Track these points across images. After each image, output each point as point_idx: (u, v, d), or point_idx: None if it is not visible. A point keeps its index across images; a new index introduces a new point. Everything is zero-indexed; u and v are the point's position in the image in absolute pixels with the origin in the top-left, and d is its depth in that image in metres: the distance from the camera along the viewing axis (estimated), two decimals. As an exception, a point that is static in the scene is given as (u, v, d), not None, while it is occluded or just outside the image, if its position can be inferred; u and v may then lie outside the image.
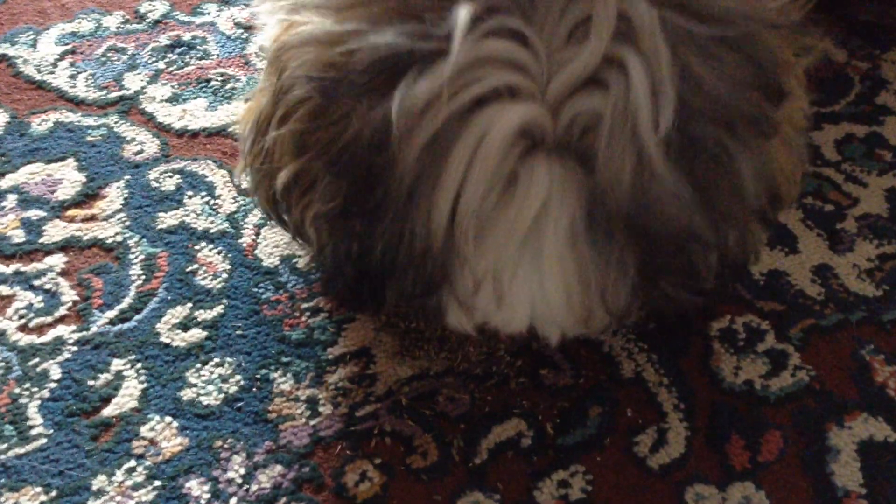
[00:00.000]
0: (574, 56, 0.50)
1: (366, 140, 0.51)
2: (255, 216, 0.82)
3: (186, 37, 1.00)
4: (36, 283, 0.76)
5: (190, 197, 0.84)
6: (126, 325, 0.74)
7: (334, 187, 0.55)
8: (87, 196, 0.83)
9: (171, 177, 0.85)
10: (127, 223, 0.81)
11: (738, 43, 0.53)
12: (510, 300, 0.55)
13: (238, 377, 0.71)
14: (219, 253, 0.79)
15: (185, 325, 0.74)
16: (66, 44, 0.98)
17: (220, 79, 0.95)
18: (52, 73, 0.95)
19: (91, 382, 0.70)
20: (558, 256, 0.53)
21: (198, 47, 0.98)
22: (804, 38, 0.62)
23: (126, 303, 0.75)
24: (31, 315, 0.74)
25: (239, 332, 0.74)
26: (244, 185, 0.69)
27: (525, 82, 0.50)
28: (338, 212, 0.56)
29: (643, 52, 0.50)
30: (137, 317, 0.74)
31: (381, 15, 0.52)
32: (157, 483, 0.65)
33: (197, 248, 0.80)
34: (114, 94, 0.93)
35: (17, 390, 0.69)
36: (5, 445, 0.66)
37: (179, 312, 0.75)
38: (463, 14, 0.49)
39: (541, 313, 0.57)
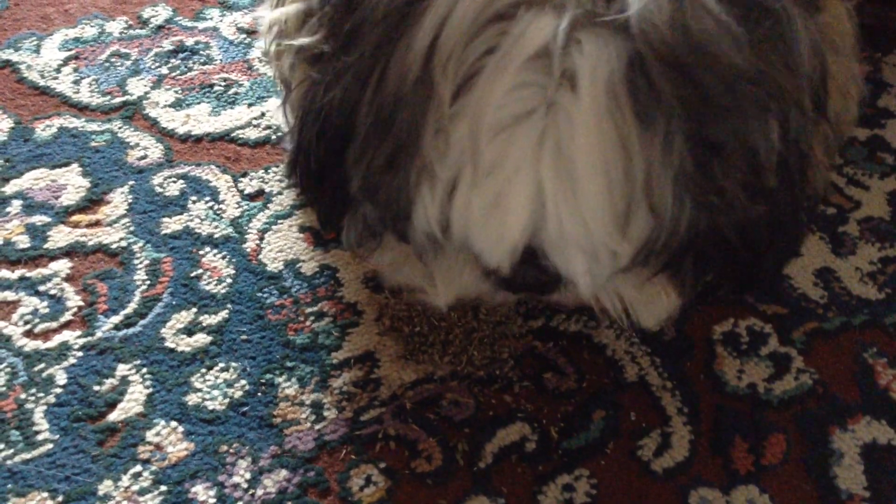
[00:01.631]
0: None
1: None
2: (259, 221, 0.82)
3: (189, 42, 1.00)
4: (41, 288, 0.77)
5: (194, 202, 0.84)
6: (131, 331, 0.74)
7: (321, 18, 0.50)
8: (92, 201, 0.83)
9: (174, 182, 0.86)
10: (131, 228, 0.81)
11: None
12: (501, 189, 0.44)
13: (243, 382, 0.71)
14: (223, 258, 0.80)
15: (189, 330, 0.74)
16: (70, 49, 0.98)
17: (223, 84, 0.95)
18: (56, 78, 0.95)
19: (96, 388, 0.70)
20: (591, 124, 0.43)
21: (201, 52, 0.99)
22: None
23: (131, 308, 0.76)
24: (37, 320, 0.74)
25: (243, 336, 0.74)
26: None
27: None
28: (315, 45, 0.49)
29: None
30: (142, 322, 0.75)
31: None
32: (163, 488, 0.65)
33: (201, 253, 0.80)
34: (117, 100, 0.93)
35: (23, 396, 0.70)
36: (12, 451, 0.67)
37: (184, 317, 0.75)
38: None
39: (553, 214, 0.45)
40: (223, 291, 0.77)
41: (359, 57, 0.45)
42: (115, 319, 0.75)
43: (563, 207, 0.44)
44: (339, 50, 0.46)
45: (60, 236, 0.80)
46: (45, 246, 0.80)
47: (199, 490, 0.65)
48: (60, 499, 0.64)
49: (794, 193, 0.51)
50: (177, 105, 0.93)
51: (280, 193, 0.85)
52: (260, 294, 0.77)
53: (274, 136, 0.90)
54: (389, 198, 0.48)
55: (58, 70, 0.96)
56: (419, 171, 0.45)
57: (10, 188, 0.84)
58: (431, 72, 0.43)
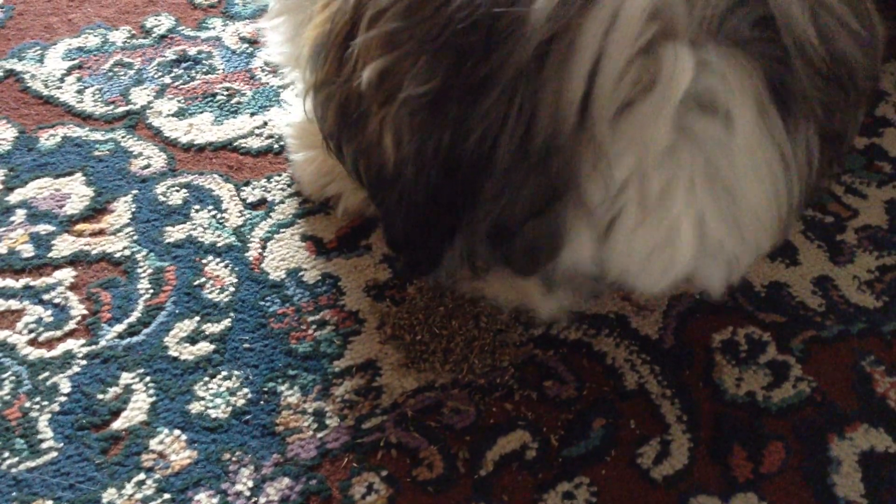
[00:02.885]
0: None
1: (486, 13, 0.45)
2: (262, 230, 0.83)
3: (192, 51, 1.01)
4: (45, 297, 0.77)
5: (197, 211, 0.84)
6: (134, 339, 0.75)
7: (432, 67, 0.48)
8: (95, 210, 0.84)
9: (178, 191, 0.86)
10: (135, 237, 0.82)
11: None
12: (668, 219, 0.46)
13: (245, 390, 0.72)
14: (226, 266, 0.80)
15: (192, 339, 0.75)
16: (73, 59, 0.99)
17: (225, 93, 0.96)
18: (60, 88, 0.96)
19: (100, 396, 0.71)
20: (751, 146, 0.45)
21: (203, 62, 0.99)
22: None
23: (134, 316, 0.76)
24: (41, 329, 0.75)
25: (246, 345, 0.75)
26: (307, 107, 0.62)
27: None
28: (432, 96, 0.49)
29: None
30: (146, 330, 0.75)
31: None
32: (167, 496, 0.66)
33: (204, 261, 0.80)
34: (121, 109, 0.94)
35: (27, 404, 0.70)
36: (16, 459, 0.67)
37: (187, 326, 0.76)
38: None
39: (715, 242, 0.47)
40: (226, 300, 0.78)
41: (494, 104, 0.46)
42: (119, 328, 0.75)
43: (725, 234, 0.47)
44: (468, 96, 0.47)
45: (64, 245, 0.81)
46: (49, 255, 0.80)
47: (203, 498, 0.66)
48: (65, 507, 0.65)
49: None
50: (180, 114, 0.94)
51: (282, 202, 0.86)
52: (262, 302, 0.78)
53: (276, 146, 0.90)
54: (534, 239, 0.48)
55: (61, 79, 0.97)
56: (574, 213, 0.47)
57: (14, 197, 0.85)
58: (589, 121, 0.44)
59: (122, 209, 0.84)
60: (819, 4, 0.47)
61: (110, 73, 0.98)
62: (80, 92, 0.95)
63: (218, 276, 0.79)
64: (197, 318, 0.76)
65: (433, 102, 0.48)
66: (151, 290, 0.78)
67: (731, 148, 0.46)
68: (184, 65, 0.99)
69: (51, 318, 0.76)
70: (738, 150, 0.46)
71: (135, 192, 0.86)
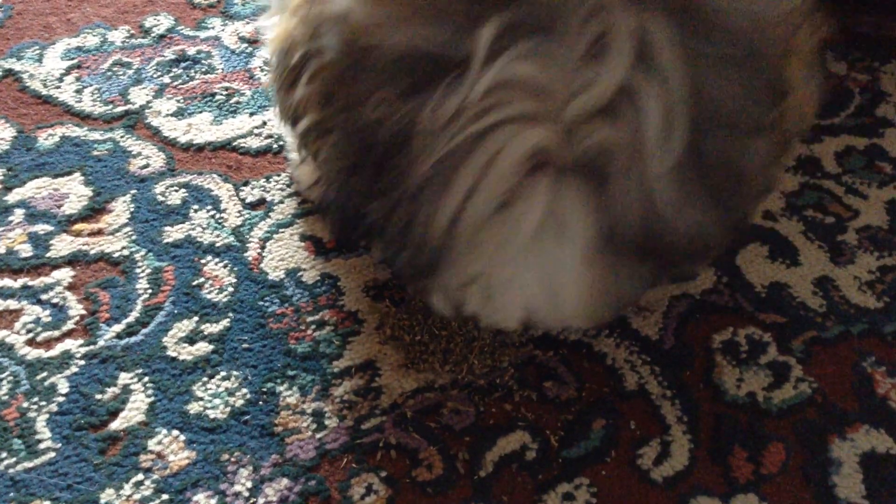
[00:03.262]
0: (592, 80, 0.51)
1: (388, 133, 0.54)
2: (261, 230, 0.83)
3: (191, 51, 1.00)
4: (43, 297, 0.77)
5: (196, 211, 0.84)
6: (133, 339, 0.74)
7: (346, 148, 0.58)
8: (94, 210, 0.84)
9: (176, 191, 0.86)
10: (133, 237, 0.82)
11: (744, 59, 0.55)
12: (502, 301, 0.59)
13: (244, 390, 0.72)
14: (224, 266, 0.80)
15: (191, 339, 0.75)
16: (72, 58, 0.99)
17: (224, 93, 0.96)
18: (58, 87, 0.96)
19: (98, 396, 0.71)
20: (575, 270, 0.55)
21: (202, 62, 0.99)
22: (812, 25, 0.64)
23: (133, 317, 0.76)
24: (39, 329, 0.75)
25: (245, 345, 0.74)
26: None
27: (543, 107, 0.52)
28: (345, 168, 0.59)
29: (659, 78, 0.51)
30: (144, 331, 0.75)
31: (412, 10, 0.54)
32: (165, 497, 0.65)
33: (203, 261, 0.80)
34: (119, 109, 0.94)
35: (25, 404, 0.70)
36: (14, 459, 0.67)
37: (186, 326, 0.75)
38: (486, 34, 0.51)
39: (542, 314, 0.59)
40: (225, 300, 0.77)
41: (385, 198, 0.56)
42: (117, 328, 0.75)
43: (548, 312, 0.59)
44: (370, 183, 0.57)
45: (63, 245, 0.81)
46: (48, 255, 0.80)
47: (201, 499, 0.65)
48: (62, 507, 0.65)
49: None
50: (179, 114, 0.93)
51: (281, 202, 0.85)
52: (261, 303, 0.77)
53: (275, 146, 0.90)
54: (410, 278, 0.63)
55: (60, 79, 0.96)
56: (435, 282, 0.59)
57: (12, 197, 0.84)
58: (452, 238, 0.54)
59: (121, 209, 0.84)
60: (650, 193, 0.52)
61: (109, 73, 0.98)
62: (78, 91, 0.95)
63: (217, 276, 0.79)
64: (195, 319, 0.76)
65: (345, 171, 0.59)
66: (150, 290, 0.78)
67: (563, 264, 0.55)
68: (183, 64, 0.99)
69: (49, 318, 0.75)
70: (566, 274, 0.55)
71: (133, 191, 0.86)
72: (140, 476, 0.66)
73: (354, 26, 0.56)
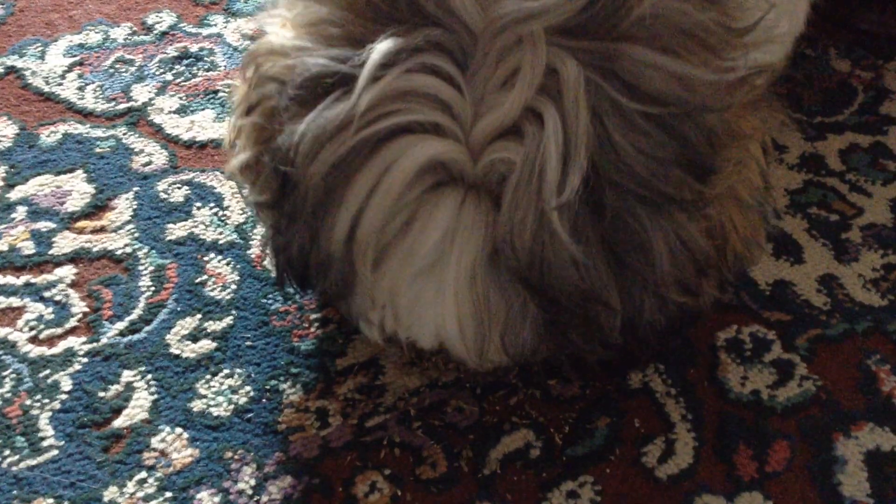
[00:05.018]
0: (501, 102, 0.52)
1: (281, 152, 0.55)
2: (263, 227, 0.83)
3: (194, 48, 1.00)
4: (46, 294, 0.77)
5: (198, 208, 0.84)
6: (136, 337, 0.74)
7: (271, 182, 0.58)
8: (97, 207, 0.84)
9: (179, 188, 0.86)
10: (136, 234, 0.82)
11: (666, 121, 0.53)
12: (411, 323, 0.59)
13: (248, 388, 0.71)
14: (227, 264, 0.80)
15: (194, 337, 0.74)
16: (74, 55, 0.99)
17: (227, 90, 0.95)
18: (61, 84, 0.95)
19: (102, 394, 0.71)
20: (456, 291, 0.54)
21: (205, 59, 0.99)
22: (762, 111, 0.62)
23: (136, 314, 0.76)
24: (42, 326, 0.75)
25: (248, 343, 0.74)
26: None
27: (447, 120, 0.52)
28: (269, 203, 0.60)
29: (563, 110, 0.51)
30: (147, 328, 0.75)
31: (326, 37, 0.55)
32: (169, 494, 0.65)
33: (206, 259, 0.80)
34: (122, 106, 0.93)
35: (28, 402, 0.70)
36: (17, 457, 0.67)
37: (189, 323, 0.75)
38: (382, 46, 0.52)
39: (444, 338, 0.59)
40: (228, 297, 0.77)
41: (300, 227, 0.57)
42: (120, 325, 0.75)
43: (445, 337, 0.59)
44: (286, 216, 0.58)
45: (65, 242, 0.81)
46: (50, 252, 0.80)
47: (205, 496, 0.65)
48: (66, 505, 0.65)
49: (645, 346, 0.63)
50: (181, 111, 0.93)
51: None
52: (264, 300, 0.77)
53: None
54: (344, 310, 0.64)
55: (62, 76, 0.96)
56: (353, 304, 0.61)
57: (14, 194, 0.84)
58: (352, 258, 0.54)
59: (124, 206, 0.84)
60: (542, 222, 0.51)
61: (111, 70, 0.97)
62: (81, 89, 0.95)
63: (220, 274, 0.79)
64: (199, 316, 0.76)
65: (271, 207, 0.60)
66: (153, 288, 0.78)
67: (443, 287, 0.55)
68: (185, 62, 0.99)
69: (52, 316, 0.75)
70: (447, 293, 0.54)
71: (136, 189, 0.85)
72: (143, 474, 0.66)
73: (281, 50, 0.57)
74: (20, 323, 0.75)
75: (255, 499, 0.65)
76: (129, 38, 1.02)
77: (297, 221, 0.56)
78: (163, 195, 0.85)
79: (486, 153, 0.52)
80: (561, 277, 0.53)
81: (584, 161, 0.50)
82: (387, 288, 0.56)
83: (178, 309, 0.76)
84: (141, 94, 0.95)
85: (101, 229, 0.82)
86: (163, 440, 0.68)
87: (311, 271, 0.59)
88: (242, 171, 0.63)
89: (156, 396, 0.71)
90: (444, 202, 0.53)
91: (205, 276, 0.79)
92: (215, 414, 0.70)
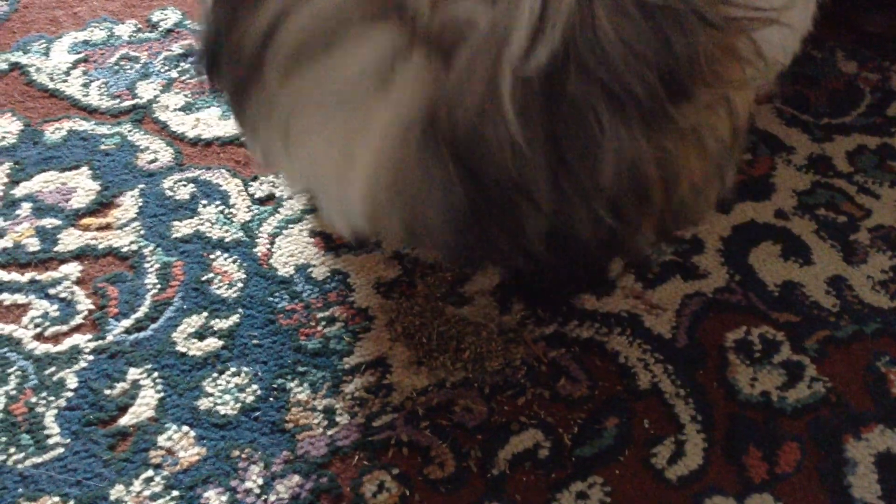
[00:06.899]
0: None
1: None
2: (270, 225, 0.82)
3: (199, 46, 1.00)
4: (51, 291, 0.76)
5: (204, 206, 0.83)
6: (142, 334, 0.74)
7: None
8: (102, 205, 0.83)
9: (185, 186, 0.85)
10: (142, 232, 0.81)
11: (657, 17, 0.47)
12: (298, 154, 0.53)
13: (254, 387, 0.71)
14: (234, 262, 0.79)
15: (200, 335, 0.74)
16: (79, 52, 0.98)
17: (233, 88, 0.95)
18: (65, 81, 0.95)
19: (107, 391, 0.70)
20: (373, 143, 0.49)
21: (211, 56, 0.98)
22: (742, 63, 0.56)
23: (142, 312, 0.75)
24: (47, 324, 0.74)
25: (255, 341, 0.74)
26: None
27: None
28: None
29: None
30: (153, 326, 0.74)
31: None
32: (175, 493, 0.65)
33: (212, 257, 0.79)
34: (127, 103, 0.93)
35: (33, 399, 0.69)
36: (22, 455, 0.66)
37: (195, 321, 0.75)
38: None
39: (326, 183, 0.53)
40: (234, 296, 0.77)
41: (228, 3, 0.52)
42: (126, 323, 0.74)
43: (332, 182, 0.52)
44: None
45: (71, 239, 0.80)
46: (56, 249, 0.79)
47: (212, 495, 0.65)
48: (72, 503, 0.64)
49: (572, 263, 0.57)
50: (186, 109, 0.93)
51: (290, 198, 0.85)
52: (271, 298, 0.77)
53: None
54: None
55: (67, 73, 0.96)
56: (249, 105, 0.54)
57: (19, 191, 0.84)
58: (265, 54, 0.50)
59: (129, 203, 0.83)
60: (493, 88, 0.46)
61: (116, 67, 0.97)
62: (85, 85, 0.95)
63: (226, 272, 0.79)
64: (205, 314, 0.75)
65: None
66: (159, 286, 0.77)
67: (366, 127, 0.49)
68: (190, 59, 0.98)
69: (57, 313, 0.75)
70: (369, 133, 0.49)
71: (141, 186, 0.85)
72: (150, 472, 0.66)
73: None
74: (25, 320, 0.74)
75: (262, 498, 0.65)
76: (134, 35, 1.01)
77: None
78: (168, 192, 0.84)
79: (450, 5, 0.47)
80: (495, 161, 0.47)
81: (559, 37, 0.45)
82: (286, 106, 0.51)
83: (185, 307, 0.76)
84: (146, 91, 0.94)
85: (107, 226, 0.81)
86: (169, 438, 0.68)
87: (224, 56, 0.54)
88: None
89: (162, 394, 0.70)
90: (379, 39, 0.48)
91: (211, 274, 0.78)
92: (222, 412, 0.69)
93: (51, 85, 0.94)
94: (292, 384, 0.71)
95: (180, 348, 0.73)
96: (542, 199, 0.49)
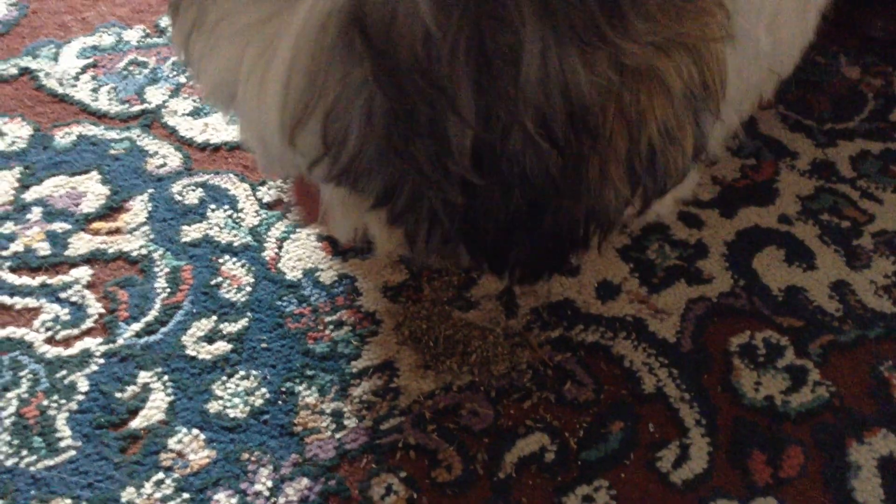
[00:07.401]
0: None
1: None
2: (278, 229, 0.83)
3: (207, 51, 1.00)
4: (62, 295, 0.77)
5: (213, 210, 0.84)
6: (152, 338, 0.74)
7: None
8: (112, 209, 0.84)
9: (193, 190, 0.86)
10: (151, 236, 0.82)
11: None
12: (214, 55, 0.50)
13: (263, 390, 0.72)
14: (242, 266, 0.80)
15: (210, 338, 0.75)
16: (88, 57, 0.99)
17: (241, 93, 0.96)
18: (75, 86, 0.96)
19: (118, 395, 0.71)
20: (294, 36, 0.46)
21: (218, 61, 0.99)
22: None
23: (152, 315, 0.76)
24: (58, 327, 0.75)
25: (264, 345, 0.75)
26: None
27: None
28: None
29: None
30: (163, 329, 0.75)
31: None
32: (186, 495, 0.66)
33: (221, 261, 0.80)
34: (136, 108, 0.94)
35: (45, 402, 0.70)
36: (34, 457, 0.67)
37: (205, 325, 0.76)
38: None
39: (244, 91, 0.49)
40: (243, 299, 0.77)
41: None
42: (137, 327, 0.75)
43: (251, 92, 0.48)
44: None
45: (81, 243, 0.81)
46: (66, 253, 0.80)
47: (222, 498, 0.66)
48: (83, 505, 0.65)
49: (511, 194, 0.51)
50: (195, 114, 0.93)
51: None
52: (279, 302, 0.77)
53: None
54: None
55: (76, 78, 0.96)
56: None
57: (30, 195, 0.85)
58: None
59: (139, 208, 0.84)
60: None
61: (125, 72, 0.98)
62: (94, 90, 0.95)
63: (235, 276, 0.79)
64: (214, 318, 0.76)
65: None
66: (168, 290, 0.78)
67: (285, 33, 0.46)
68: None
69: (68, 317, 0.76)
70: (286, 40, 0.46)
71: (151, 190, 0.86)
72: (161, 475, 0.67)
73: None
74: (36, 324, 0.75)
75: (271, 500, 0.66)
76: (143, 40, 1.02)
77: None
78: (177, 197, 0.85)
79: None
80: (408, 51, 0.44)
81: None
82: (214, 12, 0.49)
83: (194, 311, 0.76)
84: (155, 96, 0.95)
85: (117, 231, 0.82)
86: (179, 441, 0.68)
87: None
88: None
89: (172, 398, 0.71)
90: None
91: (220, 278, 0.79)
92: (231, 415, 0.70)
93: (60, 90, 0.95)
94: (301, 387, 0.72)
95: (190, 352, 0.74)
96: (463, 104, 0.46)
